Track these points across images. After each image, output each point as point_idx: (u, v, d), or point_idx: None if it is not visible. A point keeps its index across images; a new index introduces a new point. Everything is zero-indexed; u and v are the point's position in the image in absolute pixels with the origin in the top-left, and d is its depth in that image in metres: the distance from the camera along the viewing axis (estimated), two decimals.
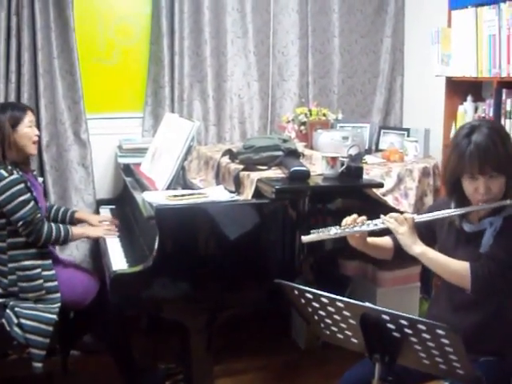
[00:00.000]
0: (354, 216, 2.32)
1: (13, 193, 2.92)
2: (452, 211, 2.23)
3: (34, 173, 3.32)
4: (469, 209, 2.19)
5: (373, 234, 2.39)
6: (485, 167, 2.07)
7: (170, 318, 2.91)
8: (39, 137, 3.65)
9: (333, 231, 2.30)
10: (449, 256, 2.18)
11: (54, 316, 2.95)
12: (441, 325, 1.64)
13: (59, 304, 2.99)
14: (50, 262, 3.06)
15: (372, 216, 2.32)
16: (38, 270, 3.00)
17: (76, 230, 3.21)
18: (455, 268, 2.14)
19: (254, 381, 3.54)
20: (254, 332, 4.00)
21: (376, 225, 2.27)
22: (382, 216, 2.28)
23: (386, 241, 2.46)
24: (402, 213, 2.29)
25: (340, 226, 2.31)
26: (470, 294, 2.11)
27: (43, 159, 3.81)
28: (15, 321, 2.90)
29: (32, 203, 2.98)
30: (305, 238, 2.35)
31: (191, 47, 4.07)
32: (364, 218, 2.31)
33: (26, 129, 3.09)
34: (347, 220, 2.31)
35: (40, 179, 3.40)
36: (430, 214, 2.27)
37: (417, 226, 2.22)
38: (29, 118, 3.11)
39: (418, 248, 2.18)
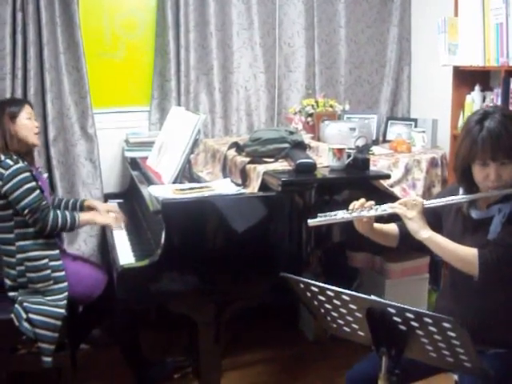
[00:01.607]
0: (362, 200, 2.30)
1: (18, 180, 2.94)
2: (461, 197, 2.22)
3: (40, 170, 3.33)
4: (478, 195, 2.18)
5: (379, 220, 2.38)
6: (497, 153, 2.06)
7: (177, 312, 2.91)
8: (46, 132, 3.68)
9: (339, 215, 2.28)
10: (456, 243, 2.17)
11: (63, 310, 2.97)
12: (447, 318, 1.63)
13: (66, 294, 3.01)
14: (57, 252, 3.08)
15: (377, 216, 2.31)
16: (46, 260, 3.02)
17: (83, 215, 3.20)
18: (463, 254, 2.12)
19: (262, 373, 3.55)
20: (262, 324, 4.00)
21: (384, 210, 2.26)
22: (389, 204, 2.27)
23: (391, 227, 2.45)
24: None
25: (347, 210, 2.30)
26: (477, 280, 2.10)
27: (50, 154, 3.81)
28: (24, 316, 2.92)
29: (37, 191, 2.99)
30: (311, 222, 2.32)
31: (197, 40, 4.05)
32: (372, 202, 2.30)
33: (25, 120, 3.13)
34: (355, 204, 2.29)
35: (45, 175, 3.40)
36: (440, 200, 2.26)
37: (424, 212, 2.21)
38: (26, 110, 3.15)
39: (425, 233, 2.17)
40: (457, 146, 2.23)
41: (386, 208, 2.26)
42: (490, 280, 2.11)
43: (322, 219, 2.30)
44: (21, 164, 2.98)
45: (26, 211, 2.95)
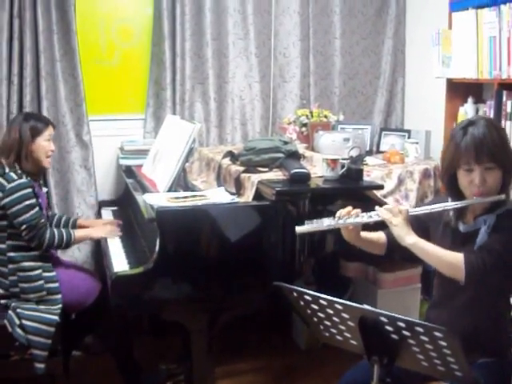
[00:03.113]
0: (349, 208, 2.31)
1: (20, 196, 2.95)
2: (445, 205, 2.22)
3: (41, 182, 3.34)
4: (463, 203, 2.18)
5: (367, 228, 2.39)
6: (481, 156, 2.08)
7: (170, 320, 2.92)
8: None
9: (326, 223, 2.29)
10: None
11: (56, 317, 2.97)
12: (439, 327, 1.65)
13: (60, 305, 3.01)
14: (50, 264, 3.09)
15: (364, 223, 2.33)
16: (39, 272, 3.02)
17: (78, 232, 3.22)
18: (449, 259, 2.12)
19: (254, 382, 3.56)
20: (255, 333, 4.01)
21: (370, 217, 2.27)
22: (376, 208, 2.28)
23: (379, 235, 2.45)
24: None
25: (334, 217, 2.31)
26: (464, 286, 2.10)
27: None
28: (17, 322, 2.92)
29: (37, 208, 3.00)
30: (299, 229, 2.32)
31: (193, 49, 4.08)
32: (358, 210, 2.30)
33: (44, 142, 3.14)
34: (341, 212, 2.30)
35: (44, 189, 3.41)
36: (424, 208, 2.27)
37: (410, 223, 2.22)
38: (49, 131, 3.17)
39: (411, 239, 2.17)
40: (442, 154, 2.25)
41: (372, 215, 2.27)
42: (475, 284, 2.12)
43: (309, 226, 2.31)
44: (24, 179, 2.99)
45: (23, 227, 2.96)
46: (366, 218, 2.28)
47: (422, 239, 2.19)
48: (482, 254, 2.09)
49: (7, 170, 3.00)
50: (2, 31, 3.60)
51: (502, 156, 2.11)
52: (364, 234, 2.39)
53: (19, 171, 3.01)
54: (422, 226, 2.34)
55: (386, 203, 3.22)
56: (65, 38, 3.77)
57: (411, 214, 2.22)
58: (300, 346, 3.96)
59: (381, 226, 2.32)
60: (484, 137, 2.08)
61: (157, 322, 3.82)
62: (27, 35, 3.64)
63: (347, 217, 2.28)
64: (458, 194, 2.21)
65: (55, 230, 3.09)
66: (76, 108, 3.87)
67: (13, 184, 2.95)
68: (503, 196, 2.13)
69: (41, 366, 2.92)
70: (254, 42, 4.25)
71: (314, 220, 2.32)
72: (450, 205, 2.22)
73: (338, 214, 2.30)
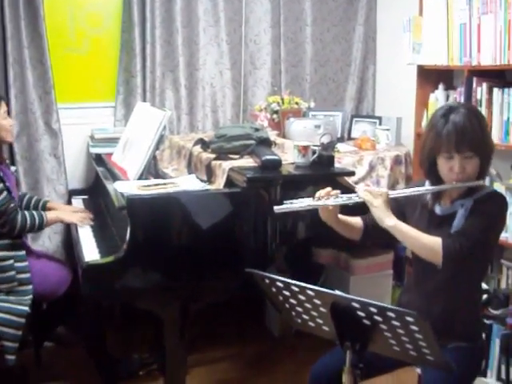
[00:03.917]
0: (328, 189, 2.32)
1: None
2: (425, 189, 2.27)
3: (7, 162, 3.28)
4: (442, 187, 2.22)
5: (345, 213, 2.40)
6: (461, 145, 2.10)
7: (143, 308, 2.90)
8: None
9: (305, 202, 2.29)
10: None
11: (26, 308, 2.94)
12: (410, 312, 1.66)
13: (31, 296, 2.98)
14: (23, 253, 3.05)
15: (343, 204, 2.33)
16: (11, 262, 2.98)
17: (50, 214, 3.19)
18: (427, 242, 2.15)
19: (229, 369, 3.56)
20: (228, 320, 4.02)
21: (350, 198, 2.28)
22: (356, 189, 2.30)
23: (356, 220, 2.47)
24: None
25: (313, 198, 2.31)
26: (441, 268, 2.12)
27: (14, 149, 3.76)
28: None
29: (5, 193, 2.95)
30: (277, 208, 2.30)
31: (163, 36, 4.04)
32: (338, 191, 2.32)
33: (3, 121, 3.07)
34: (321, 192, 2.31)
35: (13, 168, 3.36)
36: (404, 190, 2.32)
37: (389, 202, 2.24)
38: (3, 108, 3.09)
39: (391, 221, 2.19)
40: (422, 140, 2.27)
41: (352, 196, 2.28)
42: (452, 268, 2.14)
43: (287, 206, 2.29)
44: None
45: None
46: (345, 199, 2.29)
47: (402, 222, 2.21)
48: (459, 238, 2.11)
49: None
50: None
51: (482, 145, 2.15)
52: (342, 216, 2.40)
53: None
54: (399, 208, 2.36)
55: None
56: (32, 24, 3.70)
57: (391, 196, 2.24)
58: (273, 333, 3.97)
59: (359, 210, 2.33)
60: (465, 126, 2.11)
61: (129, 311, 3.80)
62: None
63: (327, 197, 2.29)
64: (437, 179, 2.24)
65: (26, 213, 3.05)
66: (45, 95, 3.81)
67: None
68: (481, 181, 2.19)
69: (12, 357, 2.89)
70: (224, 29, 4.22)
71: (294, 200, 2.31)
72: (430, 188, 2.26)
73: (317, 194, 2.31)
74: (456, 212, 2.20)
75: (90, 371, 3.29)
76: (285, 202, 2.31)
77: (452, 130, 2.11)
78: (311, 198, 2.30)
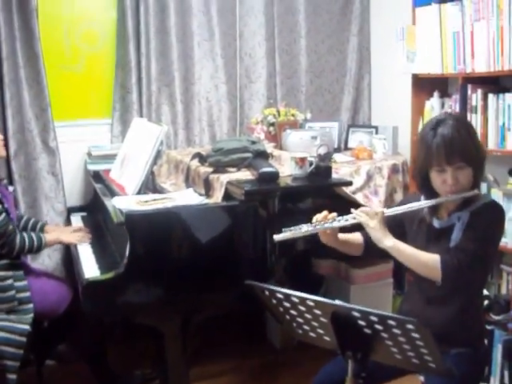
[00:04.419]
0: (325, 213, 2.33)
1: None
2: (419, 204, 2.27)
3: (4, 181, 3.28)
4: (437, 200, 2.22)
5: (344, 229, 2.40)
6: (452, 157, 2.11)
7: (144, 323, 2.90)
8: (7, 146, 3.62)
9: (304, 229, 2.30)
10: None
11: (27, 326, 2.93)
12: (410, 319, 1.66)
13: (32, 315, 2.97)
14: (21, 272, 3.04)
15: (343, 214, 2.33)
16: (10, 281, 2.97)
17: (49, 236, 3.19)
18: (426, 260, 2.16)
19: (231, 382, 3.55)
20: (229, 334, 4.00)
21: (347, 220, 2.29)
22: (352, 210, 2.30)
23: (356, 236, 2.48)
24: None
25: (311, 223, 2.32)
26: (440, 285, 2.14)
27: (12, 168, 3.76)
28: None
29: (3, 215, 2.95)
30: (276, 237, 2.34)
31: (158, 50, 4.05)
32: (334, 214, 2.32)
33: None
34: (318, 217, 2.33)
35: (11, 188, 3.36)
36: (400, 208, 2.30)
37: (386, 222, 2.24)
38: None
39: (388, 241, 2.20)
40: (415, 155, 2.28)
41: (349, 218, 2.29)
42: (452, 284, 2.15)
43: (286, 234, 2.32)
44: None
45: None
46: (342, 221, 2.30)
47: (399, 241, 2.23)
48: (457, 254, 2.12)
49: None
50: None
51: (472, 154, 2.15)
52: (341, 235, 2.41)
53: None
54: (397, 224, 2.37)
55: (355, 199, 3.24)
56: (28, 43, 3.71)
57: (387, 215, 2.24)
58: (275, 345, 3.96)
59: (357, 227, 2.33)
60: (453, 138, 2.12)
61: (130, 327, 3.78)
62: None
63: (324, 221, 2.30)
64: (431, 192, 2.24)
65: (25, 235, 3.05)
66: (41, 114, 3.82)
67: None
68: (476, 191, 2.18)
69: (13, 376, 2.88)
70: (219, 43, 4.24)
71: (292, 227, 2.33)
72: (425, 203, 2.26)
73: (314, 219, 2.33)
74: (453, 225, 2.21)
75: None
76: (284, 229, 2.33)
77: (441, 142, 2.12)
78: (309, 224, 2.32)
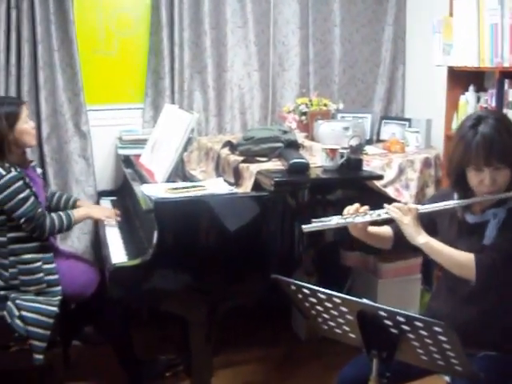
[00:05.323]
0: (357, 205, 2.30)
1: (12, 191, 2.90)
2: (456, 202, 2.22)
3: (33, 163, 3.29)
4: (473, 200, 2.18)
5: (373, 223, 2.36)
6: (490, 159, 2.06)
7: (169, 311, 2.91)
8: (40, 129, 3.66)
9: (334, 221, 2.27)
10: (451, 247, 2.17)
11: (55, 308, 2.95)
12: (438, 322, 1.63)
13: (60, 297, 3.00)
14: (50, 255, 3.07)
15: (372, 207, 2.30)
16: (39, 264, 3.00)
17: (78, 212, 3.20)
18: (460, 259, 2.12)
19: (254, 372, 3.55)
20: (255, 323, 4.00)
21: (379, 215, 2.25)
22: (385, 205, 2.26)
23: (386, 230, 2.44)
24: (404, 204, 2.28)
25: (342, 215, 2.29)
26: (474, 285, 2.10)
27: (44, 151, 3.82)
28: (16, 313, 2.90)
29: (32, 199, 2.96)
30: (305, 227, 2.29)
31: (191, 38, 4.05)
32: (366, 207, 2.29)
33: (24, 125, 3.04)
34: (349, 209, 2.29)
35: (39, 170, 3.37)
36: (434, 205, 2.25)
37: (419, 217, 2.21)
38: (25, 112, 3.06)
39: (422, 238, 2.17)
40: (451, 151, 2.23)
41: (381, 213, 2.25)
42: (486, 284, 2.12)
43: (316, 225, 2.28)
44: (13, 173, 2.92)
45: (21, 220, 2.93)
46: (374, 216, 2.26)
47: (433, 238, 2.19)
48: (492, 253, 2.09)
49: None
50: (0, 22, 3.57)
51: (511, 156, 2.10)
52: (371, 229, 2.38)
53: (7, 165, 2.93)
54: (429, 220, 2.33)
55: (385, 193, 3.22)
56: (62, 27, 3.75)
57: (421, 212, 2.21)
58: (300, 337, 3.95)
59: (387, 220, 2.30)
60: (493, 139, 2.07)
61: (156, 313, 3.81)
62: (24, 25, 3.62)
63: (355, 214, 2.27)
64: (465, 190, 2.20)
65: (54, 216, 3.06)
66: (74, 98, 3.85)
67: (2, 181, 2.88)
68: None
69: (39, 356, 2.91)
70: (252, 31, 4.22)
71: (322, 218, 2.29)
72: (461, 202, 2.21)
73: (345, 211, 2.29)
74: (488, 221, 2.17)
75: (117, 371, 3.30)
76: (313, 220, 2.29)
77: (481, 142, 2.07)
78: (339, 216, 2.28)
